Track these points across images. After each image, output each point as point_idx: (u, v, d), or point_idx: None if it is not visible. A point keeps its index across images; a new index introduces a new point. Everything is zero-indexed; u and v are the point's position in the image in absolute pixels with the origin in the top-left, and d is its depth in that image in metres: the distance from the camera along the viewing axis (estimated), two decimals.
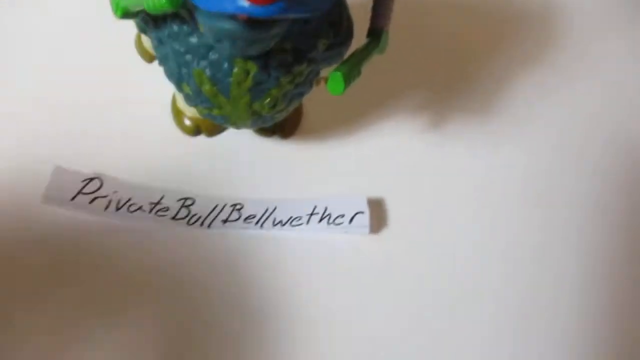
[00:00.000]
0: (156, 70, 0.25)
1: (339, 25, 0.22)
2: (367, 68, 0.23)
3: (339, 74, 0.21)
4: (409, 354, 0.24)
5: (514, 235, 0.28)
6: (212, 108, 0.23)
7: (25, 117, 0.27)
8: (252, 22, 0.17)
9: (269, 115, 0.24)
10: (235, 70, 0.21)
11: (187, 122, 0.28)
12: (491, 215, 0.28)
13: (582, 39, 0.38)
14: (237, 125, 0.24)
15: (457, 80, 0.33)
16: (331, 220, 0.25)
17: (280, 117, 0.25)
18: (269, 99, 0.23)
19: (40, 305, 0.22)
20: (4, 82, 0.28)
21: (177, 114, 0.28)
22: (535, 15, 0.39)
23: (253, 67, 0.21)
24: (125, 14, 0.20)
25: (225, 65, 0.21)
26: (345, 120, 0.30)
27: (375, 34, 0.23)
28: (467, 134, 0.31)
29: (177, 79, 0.23)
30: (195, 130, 0.28)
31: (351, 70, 0.22)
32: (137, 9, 0.20)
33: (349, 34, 0.23)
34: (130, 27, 0.24)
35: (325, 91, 0.24)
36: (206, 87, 0.22)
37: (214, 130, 0.28)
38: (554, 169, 0.30)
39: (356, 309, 0.24)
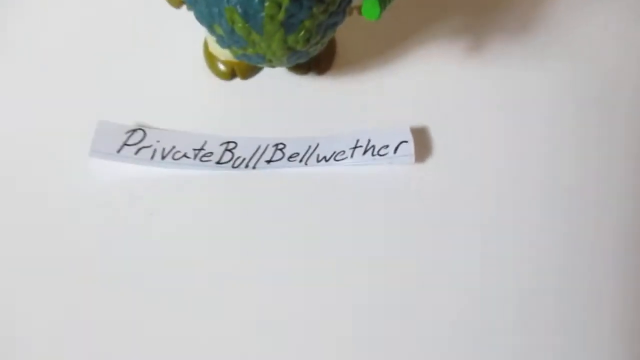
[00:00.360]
0: (184, 16, 0.24)
1: None
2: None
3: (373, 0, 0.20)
4: (460, 282, 0.24)
5: (566, 160, 0.27)
6: (246, 47, 0.23)
7: (63, 73, 0.27)
8: None
9: (304, 50, 0.23)
10: (267, 4, 0.21)
11: (221, 67, 0.28)
12: (539, 135, 0.27)
13: None
14: (273, 64, 0.24)
15: (494, 2, 0.32)
16: (375, 152, 0.25)
17: (315, 51, 0.24)
18: (303, 31, 0.22)
19: (97, 258, 0.23)
20: (37, 40, 0.28)
21: (210, 59, 0.28)
22: None
23: (285, 0, 0.21)
24: None
25: (257, 0, 0.21)
26: (380, 51, 0.29)
27: None
28: (508, 54, 0.30)
29: (208, 21, 0.22)
30: (230, 74, 0.28)
31: None
32: None
33: None
34: None
35: (358, 21, 0.23)
36: (239, 25, 0.21)
37: (248, 71, 0.28)
38: (603, 80, 0.29)
39: (406, 240, 0.24)
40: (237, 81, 0.28)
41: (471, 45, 0.30)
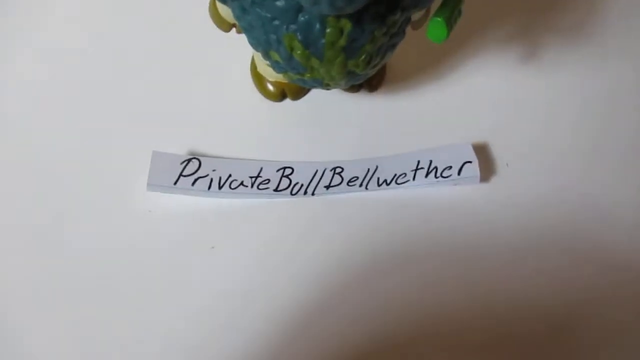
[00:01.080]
0: (230, 38, 0.24)
1: None
2: None
3: (440, 19, 0.20)
4: (532, 302, 0.23)
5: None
6: (304, 73, 0.22)
7: (114, 103, 0.27)
8: None
9: (363, 73, 0.22)
10: (329, 30, 0.20)
11: (270, 87, 0.27)
12: (607, 143, 0.26)
13: None
14: (329, 87, 0.23)
15: (545, 4, 0.30)
16: (438, 174, 0.24)
17: (373, 72, 0.23)
18: (364, 55, 0.21)
19: (160, 293, 0.23)
20: (89, 72, 0.28)
21: (259, 80, 0.27)
22: None
23: (347, 24, 0.20)
24: None
25: (317, 26, 0.20)
26: (431, 64, 0.28)
27: None
28: (564, 58, 0.29)
29: (265, 47, 0.22)
30: (280, 94, 0.27)
31: (452, 12, 0.20)
32: None
33: None
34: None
35: (408, 34, 0.22)
36: (298, 52, 0.21)
37: (299, 92, 0.27)
38: None
39: (477, 261, 0.23)
40: (288, 102, 0.27)
41: (526, 52, 0.29)
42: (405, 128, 0.26)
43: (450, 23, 0.20)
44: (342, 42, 0.20)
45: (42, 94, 0.27)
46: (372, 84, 0.27)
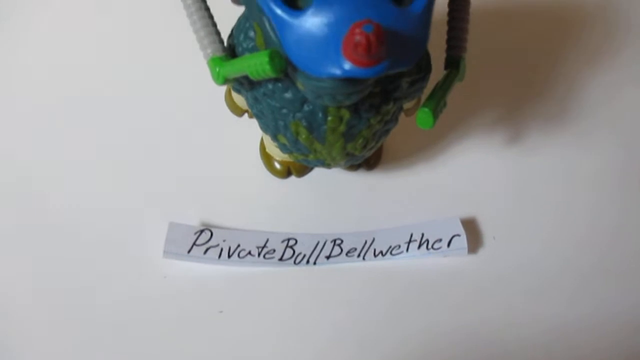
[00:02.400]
0: (242, 121, 0.27)
1: (419, 62, 0.23)
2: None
3: (427, 110, 0.22)
4: None
5: (620, 244, 0.28)
6: (308, 154, 0.25)
7: (134, 175, 0.29)
8: (350, 79, 0.19)
9: (360, 155, 0.25)
10: (330, 118, 0.23)
11: (278, 166, 0.30)
12: (587, 219, 0.28)
13: None
14: (331, 166, 0.26)
15: (528, 92, 0.34)
16: (430, 246, 0.26)
17: (369, 153, 0.26)
18: (361, 139, 0.24)
19: (172, 354, 0.24)
20: (108, 148, 0.31)
21: (267, 159, 0.30)
22: (594, 17, 0.39)
23: (346, 113, 0.23)
24: (226, 81, 0.22)
25: (320, 114, 0.23)
26: (424, 145, 0.31)
27: (454, 63, 0.24)
28: (547, 141, 0.32)
29: (274, 131, 0.25)
30: (286, 172, 0.30)
31: (438, 103, 0.23)
32: (239, 76, 0.21)
33: (428, 68, 0.24)
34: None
35: (403, 119, 0.25)
36: (303, 137, 0.24)
37: (303, 170, 0.30)
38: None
39: (466, 329, 0.25)
40: (293, 179, 0.30)
41: (511, 135, 0.32)
42: (400, 203, 0.29)
43: (436, 113, 0.23)
44: (342, 128, 0.23)
45: (65, 167, 0.30)
46: (369, 163, 0.30)
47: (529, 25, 0.38)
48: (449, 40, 0.24)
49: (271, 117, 0.24)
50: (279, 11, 0.18)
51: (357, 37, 0.16)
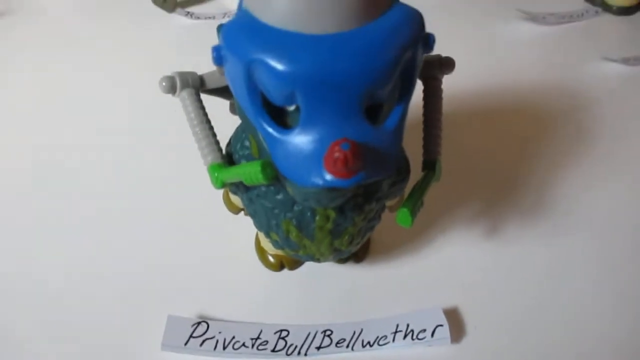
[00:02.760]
0: (238, 218, 0.29)
1: (398, 166, 0.26)
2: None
3: (406, 210, 0.25)
4: None
5: (597, 329, 0.29)
6: (298, 250, 0.27)
7: (134, 272, 0.31)
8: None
9: (347, 250, 0.27)
10: (318, 217, 0.25)
11: (271, 259, 0.32)
12: (567, 306, 0.30)
13: (614, 130, 0.41)
14: (320, 260, 0.28)
15: (505, 187, 0.36)
16: (415, 336, 0.27)
17: (356, 248, 0.28)
18: (347, 236, 0.26)
19: None
20: (109, 240, 0.33)
21: (262, 253, 0.32)
22: (567, 118, 0.43)
23: (332, 213, 0.25)
24: (223, 185, 0.25)
25: (309, 214, 0.25)
26: (408, 239, 0.33)
27: (431, 165, 0.27)
28: (524, 233, 0.34)
29: (267, 229, 0.27)
30: (279, 265, 0.32)
31: (415, 204, 0.25)
32: (235, 181, 0.24)
33: (407, 171, 0.26)
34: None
35: (387, 215, 0.27)
36: (293, 234, 0.26)
37: (295, 264, 0.32)
38: (613, 250, 0.33)
39: None
40: (286, 271, 0.32)
41: (489, 227, 0.34)
42: (386, 294, 0.31)
43: (414, 212, 0.25)
44: (329, 226, 0.25)
45: (65, 260, 0.32)
46: (358, 256, 0.32)
47: (506, 125, 0.42)
48: (424, 145, 0.27)
49: (264, 216, 0.26)
50: (270, 129, 0.21)
51: (336, 154, 0.19)
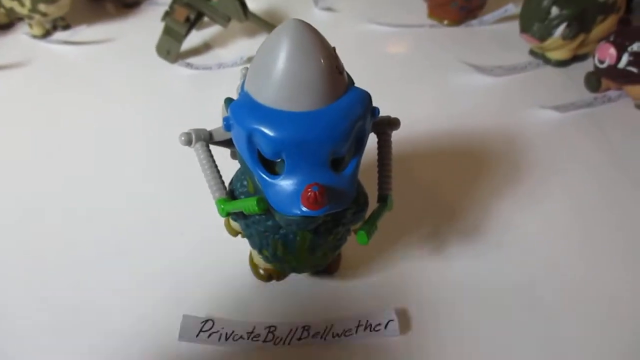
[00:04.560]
0: (236, 240, 0.37)
1: (358, 199, 0.34)
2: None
3: (363, 232, 0.33)
4: None
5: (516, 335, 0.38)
6: (283, 263, 0.35)
7: (157, 282, 0.40)
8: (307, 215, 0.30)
9: (321, 263, 0.36)
10: (298, 238, 0.33)
11: (262, 272, 0.40)
12: (498, 308, 0.38)
13: (544, 167, 0.50)
14: (300, 272, 0.36)
15: (449, 214, 0.45)
16: (372, 329, 0.36)
17: (328, 262, 0.37)
18: (320, 252, 0.34)
19: None
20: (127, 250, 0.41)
21: (254, 267, 0.40)
22: (504, 153, 0.52)
23: (309, 234, 0.33)
24: (228, 214, 0.33)
25: (291, 236, 0.33)
26: (372, 256, 0.42)
27: (383, 198, 0.35)
28: (464, 251, 0.42)
29: (259, 247, 0.35)
30: (268, 277, 0.40)
31: (371, 227, 0.33)
32: (237, 211, 0.32)
33: (365, 203, 0.35)
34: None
35: (355, 240, 0.36)
36: (280, 251, 0.34)
37: (281, 276, 0.40)
38: (535, 263, 0.41)
39: None
40: (274, 282, 0.40)
41: (435, 246, 0.43)
42: (352, 297, 0.39)
43: (369, 234, 0.33)
44: (307, 244, 0.34)
45: (103, 276, 0.40)
46: (331, 269, 0.40)
47: (453, 162, 0.51)
48: (378, 183, 0.36)
49: (257, 237, 0.35)
50: (263, 175, 0.29)
51: (309, 193, 0.27)
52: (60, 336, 0.36)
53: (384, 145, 0.35)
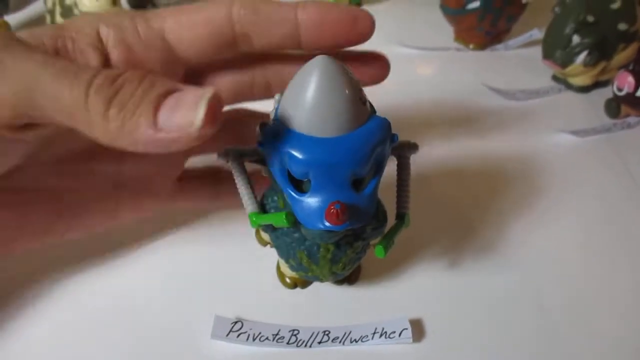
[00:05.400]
0: (265, 250, 0.41)
1: (378, 216, 0.38)
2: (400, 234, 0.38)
3: (381, 247, 0.36)
4: None
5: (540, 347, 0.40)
6: (307, 272, 0.39)
7: (193, 287, 0.43)
8: (330, 230, 0.33)
9: (342, 273, 0.39)
10: (321, 250, 0.37)
11: (288, 280, 0.43)
12: (509, 323, 0.41)
13: (559, 188, 0.53)
14: (323, 281, 0.40)
15: (465, 230, 0.48)
16: (387, 336, 0.39)
17: (348, 273, 0.40)
18: (341, 263, 0.38)
19: None
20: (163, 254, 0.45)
21: (281, 275, 0.44)
22: (520, 173, 0.54)
23: (331, 247, 0.36)
24: (259, 226, 0.37)
25: (315, 247, 0.36)
26: (390, 267, 0.45)
27: (401, 216, 0.39)
28: (478, 266, 0.45)
29: (286, 257, 0.39)
30: (293, 285, 0.43)
31: (388, 242, 0.36)
32: (267, 223, 0.36)
33: (384, 219, 0.38)
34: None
35: (374, 253, 0.39)
36: (304, 261, 0.37)
37: (305, 284, 0.43)
38: (545, 284, 0.44)
39: None
40: (298, 289, 0.43)
41: (451, 261, 0.45)
42: (370, 306, 0.42)
43: (387, 248, 0.36)
44: (329, 256, 0.37)
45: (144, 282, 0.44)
46: (351, 279, 0.44)
47: (471, 181, 0.53)
48: (397, 202, 0.39)
49: (285, 248, 0.38)
50: (292, 193, 0.33)
51: (332, 210, 0.31)
52: (96, 335, 0.40)
53: (403, 167, 0.38)
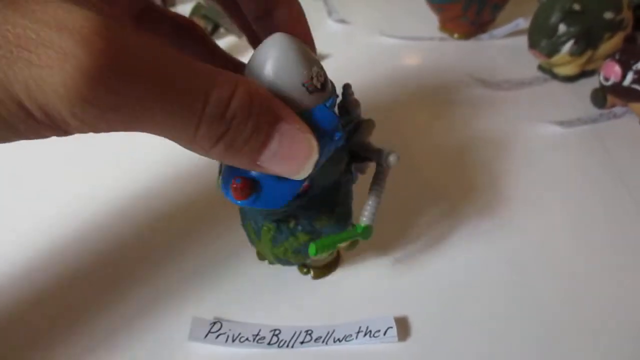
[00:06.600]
0: (247, 249, 0.39)
1: (334, 216, 0.37)
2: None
3: (312, 244, 0.35)
4: None
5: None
6: (253, 244, 0.39)
7: (170, 287, 0.42)
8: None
9: (285, 259, 0.38)
10: (264, 227, 0.36)
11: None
12: (493, 326, 0.40)
13: (539, 178, 0.52)
14: (270, 263, 0.40)
15: (451, 226, 0.47)
16: (372, 335, 0.38)
17: (299, 263, 0.40)
18: (282, 248, 0.37)
19: None
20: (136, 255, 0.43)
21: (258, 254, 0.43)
22: (504, 162, 0.53)
23: (272, 227, 0.36)
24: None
25: (260, 223, 0.37)
26: (375, 265, 0.44)
27: (354, 225, 0.37)
28: (466, 262, 0.44)
29: (243, 223, 0.39)
30: (262, 258, 0.43)
31: (323, 243, 0.35)
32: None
33: (344, 223, 0.37)
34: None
35: (359, 250, 0.38)
36: (251, 232, 0.38)
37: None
38: (533, 276, 0.43)
39: None
40: (278, 288, 0.42)
41: (439, 257, 0.44)
42: (353, 304, 0.40)
43: (319, 248, 0.34)
44: (269, 235, 0.36)
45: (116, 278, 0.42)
46: (313, 274, 0.43)
47: (457, 170, 0.52)
48: (363, 209, 0.37)
49: (243, 215, 0.39)
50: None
51: (234, 185, 0.30)
52: (71, 333, 0.39)
53: (377, 177, 0.37)
